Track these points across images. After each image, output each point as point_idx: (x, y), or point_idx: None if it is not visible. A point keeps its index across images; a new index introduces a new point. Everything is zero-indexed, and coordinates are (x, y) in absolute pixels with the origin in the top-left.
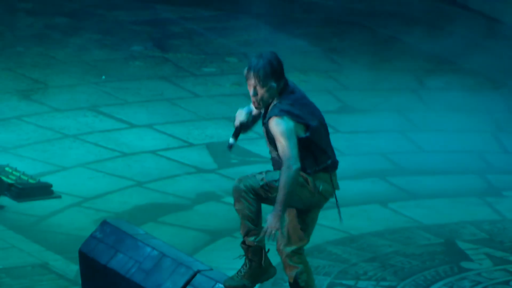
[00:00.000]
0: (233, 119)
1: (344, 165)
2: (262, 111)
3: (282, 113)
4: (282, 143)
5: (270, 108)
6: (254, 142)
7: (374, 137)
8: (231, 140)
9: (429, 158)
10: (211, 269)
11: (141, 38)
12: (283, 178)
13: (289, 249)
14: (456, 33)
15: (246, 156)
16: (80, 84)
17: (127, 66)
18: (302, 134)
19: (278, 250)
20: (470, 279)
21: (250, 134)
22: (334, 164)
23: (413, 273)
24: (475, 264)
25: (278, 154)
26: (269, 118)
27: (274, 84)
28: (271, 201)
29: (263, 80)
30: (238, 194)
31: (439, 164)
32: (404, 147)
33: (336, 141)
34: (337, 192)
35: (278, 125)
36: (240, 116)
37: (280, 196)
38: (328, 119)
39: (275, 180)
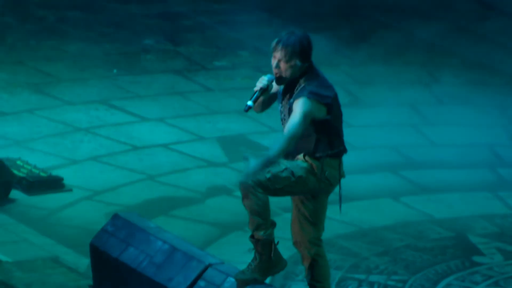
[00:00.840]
0: (244, 112)
1: (355, 159)
2: (280, 88)
3: (310, 95)
4: (296, 119)
5: (298, 89)
6: (265, 136)
7: (386, 131)
8: (249, 102)
9: (441, 152)
10: (223, 263)
11: (153, 32)
12: (280, 143)
13: (307, 240)
14: (469, 28)
15: (257, 149)
16: (92, 77)
17: (139, 60)
18: (324, 116)
19: (295, 243)
20: (482, 273)
21: (260, 127)
22: (345, 151)
23: (424, 267)
24: (487, 258)
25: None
26: (296, 98)
27: (299, 63)
28: (279, 192)
29: (289, 56)
30: (246, 190)
31: (451, 158)
32: (416, 141)
33: (348, 134)
34: (346, 183)
35: (303, 104)
36: (262, 81)
37: (268, 153)
38: (341, 112)
39: (281, 171)
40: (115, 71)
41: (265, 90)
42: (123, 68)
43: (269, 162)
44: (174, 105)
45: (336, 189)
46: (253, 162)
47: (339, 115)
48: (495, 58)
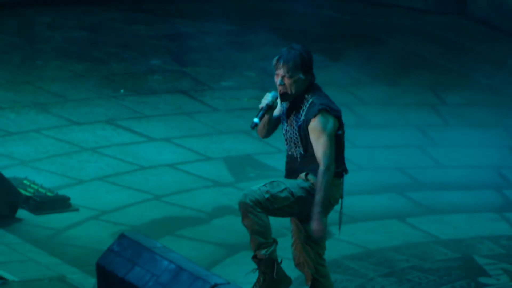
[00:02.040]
0: (250, 132)
1: (361, 179)
2: (285, 105)
3: (322, 106)
4: (323, 142)
5: (306, 106)
6: (272, 156)
7: (392, 152)
8: (256, 119)
9: (447, 173)
10: (228, 283)
11: (160, 52)
12: (323, 179)
13: (309, 260)
14: (475, 49)
15: (263, 170)
16: (99, 97)
17: (146, 80)
18: (336, 131)
19: (297, 265)
20: None
21: (267, 148)
22: (346, 171)
23: None
24: (493, 280)
25: (300, 153)
26: (310, 117)
27: (302, 76)
28: (278, 213)
29: (292, 71)
30: (245, 209)
31: (457, 179)
32: (422, 162)
33: (354, 155)
34: (353, 204)
35: (321, 123)
36: (267, 98)
37: (318, 197)
38: (346, 133)
39: (280, 191)
40: (122, 91)
41: (270, 107)
42: (129, 88)
43: (325, 204)
44: (180, 125)
45: (338, 207)
46: (314, 224)
47: (344, 134)
48: (502, 80)
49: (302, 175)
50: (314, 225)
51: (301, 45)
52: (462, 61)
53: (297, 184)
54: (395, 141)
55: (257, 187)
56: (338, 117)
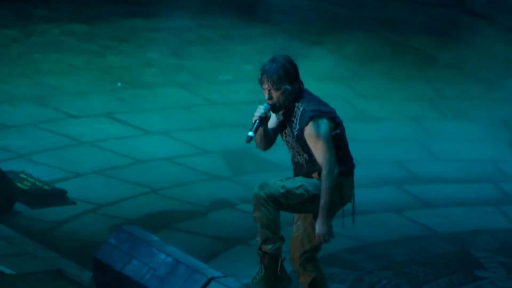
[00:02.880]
0: (248, 126)
1: (359, 173)
2: (280, 117)
3: (313, 113)
4: (320, 147)
5: (298, 115)
6: (269, 150)
7: (390, 146)
8: (250, 133)
9: (445, 167)
10: (226, 276)
11: (157, 45)
12: (327, 183)
13: (303, 257)
14: (473, 42)
15: (261, 164)
16: (96, 91)
17: (143, 73)
18: (333, 132)
19: (291, 259)
20: None
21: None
22: (354, 167)
23: (427, 281)
24: (489, 273)
25: (305, 159)
26: (303, 126)
27: (288, 87)
28: (290, 208)
29: (277, 83)
30: (258, 201)
31: (454, 173)
32: (420, 155)
33: (352, 149)
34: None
35: (315, 129)
36: (259, 111)
37: (323, 201)
38: (344, 127)
39: (296, 187)
40: (119, 84)
41: (263, 119)
42: (127, 81)
43: (328, 207)
44: (178, 119)
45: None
46: (318, 226)
47: (344, 131)
48: (499, 73)
49: (315, 174)
50: (319, 229)
51: (283, 55)
52: (460, 54)
53: (313, 182)
54: (393, 134)
55: (273, 181)
56: (331, 118)
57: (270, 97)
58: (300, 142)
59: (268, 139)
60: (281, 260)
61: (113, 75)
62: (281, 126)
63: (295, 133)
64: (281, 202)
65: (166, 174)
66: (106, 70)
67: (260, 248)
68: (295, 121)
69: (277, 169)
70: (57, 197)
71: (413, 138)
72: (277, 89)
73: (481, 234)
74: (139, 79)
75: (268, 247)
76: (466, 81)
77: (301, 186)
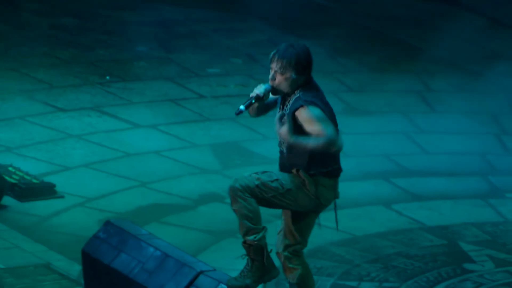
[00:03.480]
0: (237, 119)
1: (348, 166)
2: (279, 99)
3: (306, 102)
4: (316, 127)
5: (292, 100)
6: (258, 143)
7: (379, 139)
8: (242, 107)
9: (433, 160)
10: (214, 270)
11: (146, 39)
12: (319, 139)
13: (286, 251)
14: (461, 35)
15: (250, 157)
16: (85, 84)
17: (132, 67)
18: None
19: (277, 253)
20: (473, 281)
21: (253, 135)
22: (339, 171)
23: (415, 274)
24: (478, 266)
25: (286, 148)
26: (294, 110)
27: (293, 76)
28: (267, 202)
29: (284, 68)
30: (235, 193)
31: (443, 166)
32: (408, 148)
33: None
34: (340, 193)
35: (308, 112)
36: (259, 89)
37: (301, 139)
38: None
39: (271, 180)
40: (108, 77)
41: (260, 98)
42: (115, 75)
43: (296, 141)
44: (166, 112)
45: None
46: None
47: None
48: (488, 66)
49: (294, 170)
50: (281, 129)
51: (302, 44)
52: (449, 48)
53: (289, 176)
54: (382, 127)
55: (249, 173)
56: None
57: (274, 78)
58: (294, 124)
59: (261, 111)
60: (266, 251)
61: (102, 69)
62: (279, 106)
63: (282, 115)
64: (256, 194)
65: (155, 168)
66: (95, 63)
67: (244, 241)
68: (288, 105)
69: (266, 162)
70: (45, 190)
71: (402, 131)
72: (282, 73)
73: (469, 226)
74: (128, 73)
75: (250, 238)
76: (455, 74)
77: (276, 180)
